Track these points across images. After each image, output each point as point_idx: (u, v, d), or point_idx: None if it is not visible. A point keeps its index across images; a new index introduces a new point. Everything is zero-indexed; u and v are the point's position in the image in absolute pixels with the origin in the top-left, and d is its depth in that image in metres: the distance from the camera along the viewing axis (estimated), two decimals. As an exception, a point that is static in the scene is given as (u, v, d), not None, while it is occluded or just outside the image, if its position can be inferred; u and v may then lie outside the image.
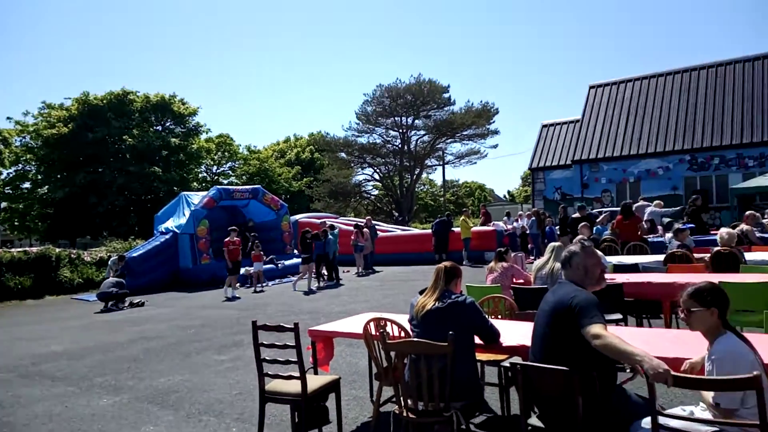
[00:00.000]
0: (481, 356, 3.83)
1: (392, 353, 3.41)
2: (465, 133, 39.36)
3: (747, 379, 2.21)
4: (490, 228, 17.88)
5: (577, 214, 13.75)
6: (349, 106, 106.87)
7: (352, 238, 16.25)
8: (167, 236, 16.40)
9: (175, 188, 34.84)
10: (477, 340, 3.50)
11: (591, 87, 27.41)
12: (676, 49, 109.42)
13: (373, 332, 3.83)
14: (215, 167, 48.75)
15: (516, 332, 3.72)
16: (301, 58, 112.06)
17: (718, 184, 21.81)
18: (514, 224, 18.31)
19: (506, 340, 3.57)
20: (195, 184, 42.22)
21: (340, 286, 13.79)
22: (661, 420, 2.45)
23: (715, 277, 5.74)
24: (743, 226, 9.77)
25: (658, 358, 2.82)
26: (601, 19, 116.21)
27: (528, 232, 16.97)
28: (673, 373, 2.36)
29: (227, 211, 18.30)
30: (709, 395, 2.49)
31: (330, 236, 14.69)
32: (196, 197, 17.52)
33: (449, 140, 40.49)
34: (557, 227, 16.04)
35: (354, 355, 6.47)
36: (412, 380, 3.26)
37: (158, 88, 78.08)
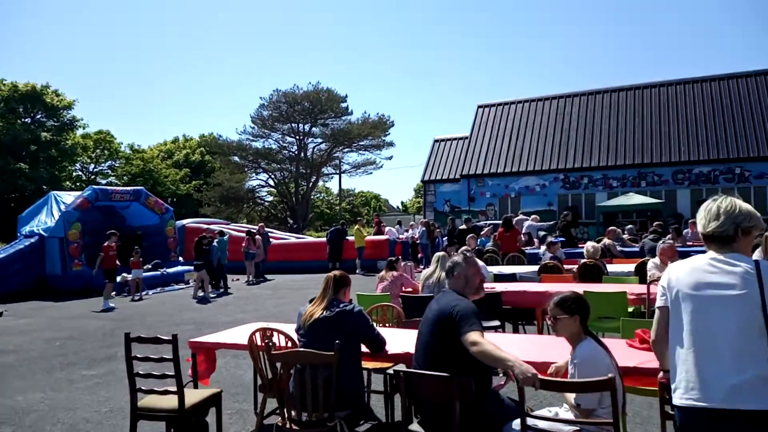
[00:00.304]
0: (367, 364, 3.87)
1: (278, 364, 3.34)
2: (361, 143, 39.94)
3: (602, 381, 2.43)
4: (383, 237, 18.23)
5: (464, 226, 14.43)
6: (244, 109, 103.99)
7: (243, 245, 15.75)
8: (32, 239, 14.79)
9: (45, 187, 31.69)
10: (364, 348, 3.54)
11: (479, 106, 29.04)
12: (557, 75, 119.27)
13: (259, 343, 3.72)
14: (92, 166, 45.05)
15: (402, 340, 3.80)
16: (192, 56, 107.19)
17: (586, 201, 24.01)
18: (405, 234, 18.84)
19: (392, 348, 3.64)
20: (68, 183, 38.74)
21: (229, 295, 13.29)
22: (530, 421, 2.63)
23: (581, 287, 6.29)
24: (606, 241, 10.82)
25: (528, 362, 3.02)
26: (493, 43, 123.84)
27: (418, 242, 17.51)
28: (540, 376, 2.55)
29: (104, 214, 16.90)
30: (571, 396, 2.71)
31: (215, 243, 14.10)
32: (69, 197, 15.99)
33: (346, 150, 40.83)
34: (446, 238, 16.74)
35: (239, 367, 6.25)
36: (297, 391, 3.22)
37: (30, 77, 70.71)
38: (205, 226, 19.12)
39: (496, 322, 6.12)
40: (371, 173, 50.47)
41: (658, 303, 2.28)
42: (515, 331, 6.80)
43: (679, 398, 2.13)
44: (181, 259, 18.08)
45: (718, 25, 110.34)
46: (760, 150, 21.16)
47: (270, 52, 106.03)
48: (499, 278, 8.12)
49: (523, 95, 28.76)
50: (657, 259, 6.63)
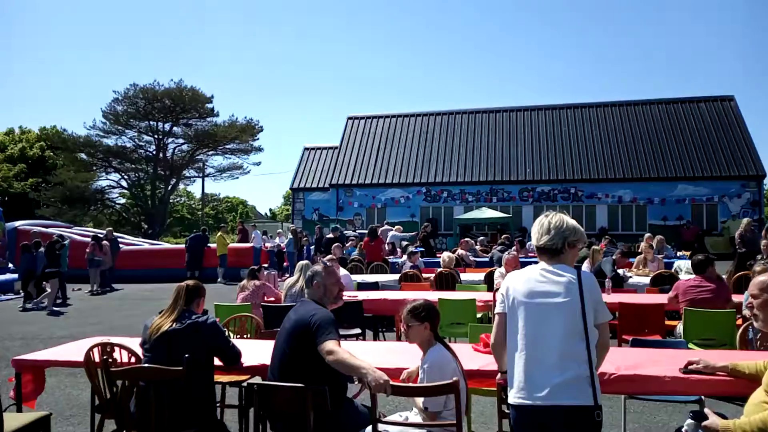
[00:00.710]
0: (222, 378, 3.71)
1: (119, 382, 3.07)
2: (228, 146, 38.43)
3: (448, 385, 2.59)
4: (248, 245, 17.67)
5: (331, 235, 14.52)
6: (94, 103, 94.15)
7: (88, 251, 14.26)
8: None
9: None
10: (218, 361, 3.39)
11: (349, 118, 29.55)
12: (421, 93, 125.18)
13: (97, 359, 3.39)
14: None
15: (259, 351, 3.70)
16: (32, 43, 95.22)
17: (445, 214, 25.51)
18: (272, 242, 18.47)
19: (249, 360, 3.53)
20: None
21: (68, 306, 11.94)
22: (381, 427, 2.71)
23: (437, 295, 6.64)
24: (460, 251, 11.57)
25: (383, 369, 3.10)
26: (365, 57, 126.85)
27: (285, 250, 17.25)
28: (391, 383, 2.64)
29: None
30: (419, 400, 2.84)
31: (42, 249, 12.42)
32: None
33: (210, 152, 39.01)
34: (313, 246, 16.71)
35: (76, 386, 5.64)
36: (139, 410, 2.98)
37: None
38: (43, 230, 17.02)
39: (358, 330, 6.23)
40: (237, 178, 48.62)
41: (497, 309, 2.49)
42: (375, 338, 6.97)
43: (512, 397, 2.34)
44: (11, 266, 15.89)
45: (551, 59, 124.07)
46: (591, 173, 24.12)
47: (130, 46, 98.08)
48: (363, 287, 8.29)
49: (391, 110, 29.86)
50: (503, 269, 7.24)
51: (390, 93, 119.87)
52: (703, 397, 3.56)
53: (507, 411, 2.53)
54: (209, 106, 37.80)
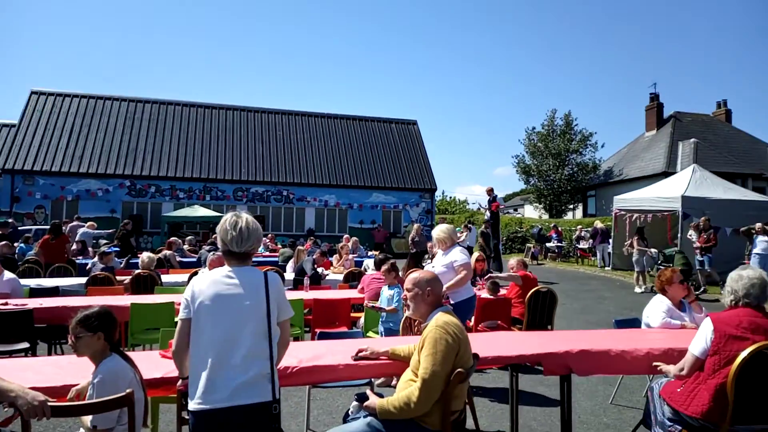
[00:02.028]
0: None
1: None
2: None
3: (120, 398, 2.39)
4: None
5: (-5, 231, 11.94)
6: None
7: None
8: None
9: None
10: None
11: (33, 92, 24.82)
12: (123, 77, 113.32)
13: None
14: None
15: None
16: None
17: (153, 210, 23.62)
18: None
19: None
20: None
21: None
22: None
23: (131, 299, 6.11)
24: (166, 251, 10.87)
25: (48, 388, 2.70)
26: (49, 28, 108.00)
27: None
28: (51, 403, 2.30)
29: None
30: (87, 419, 2.54)
31: None
32: None
33: None
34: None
35: None
36: None
37: None
38: None
39: (25, 344, 5.31)
40: None
41: (181, 315, 2.41)
42: (51, 352, 6.03)
43: (193, 404, 2.29)
44: None
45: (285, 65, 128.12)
46: (301, 178, 25.55)
47: None
48: (38, 293, 7.05)
49: (89, 89, 26.17)
50: (207, 269, 7.06)
51: (86, 69, 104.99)
52: (372, 379, 4.11)
53: (187, 417, 2.47)
54: None
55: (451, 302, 5.01)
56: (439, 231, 5.37)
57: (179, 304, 6.09)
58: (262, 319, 2.40)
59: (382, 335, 5.44)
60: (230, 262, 2.50)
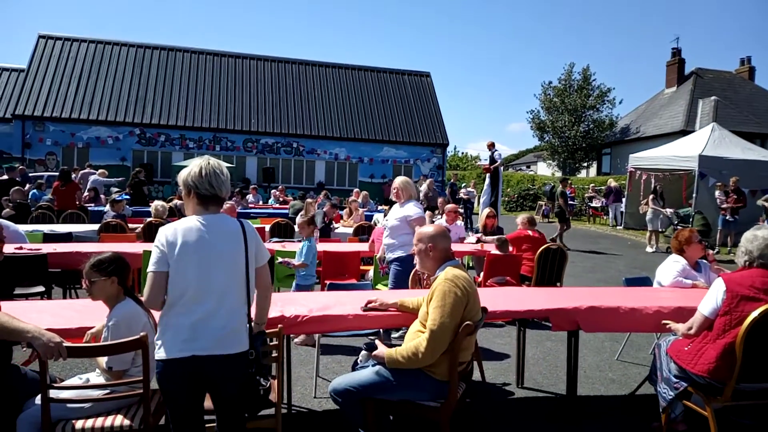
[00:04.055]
0: None
1: None
2: None
3: (135, 341, 2.43)
4: None
5: (5, 176, 12.02)
6: None
7: None
8: None
9: None
10: None
11: (41, 36, 24.44)
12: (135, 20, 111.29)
13: None
14: None
15: None
16: None
17: (163, 159, 23.62)
18: None
19: None
20: None
21: None
22: (54, 393, 2.41)
23: (144, 247, 6.18)
24: (177, 201, 10.92)
25: (65, 330, 2.75)
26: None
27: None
28: (66, 344, 2.34)
29: None
30: (102, 360, 2.60)
31: None
32: None
33: None
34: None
35: None
36: None
37: None
38: None
39: (41, 288, 5.44)
40: None
41: (155, 267, 2.25)
42: (65, 296, 6.17)
43: (171, 351, 2.22)
44: None
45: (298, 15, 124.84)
46: (312, 130, 25.30)
47: None
48: (50, 238, 7.15)
49: (93, 34, 25.76)
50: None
51: (91, 12, 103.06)
52: (381, 330, 4.17)
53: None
54: None
55: (404, 254, 4.98)
56: (398, 182, 5.26)
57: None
58: (242, 268, 2.36)
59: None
60: (207, 208, 2.37)
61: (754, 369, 2.97)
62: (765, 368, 3.01)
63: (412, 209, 5.08)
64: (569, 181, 14.29)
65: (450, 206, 8.82)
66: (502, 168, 13.14)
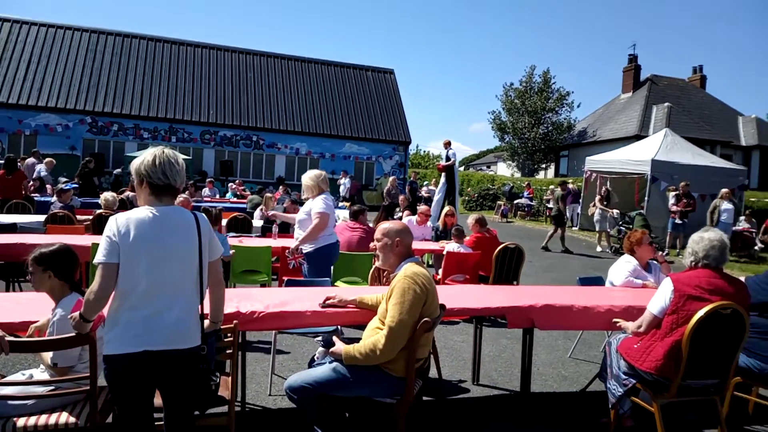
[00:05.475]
0: None
1: None
2: None
3: (82, 336, 2.32)
4: None
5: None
6: None
7: None
8: None
9: None
10: None
11: (-12, 17, 23.20)
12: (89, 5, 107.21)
13: None
14: None
15: None
16: None
17: (115, 149, 22.76)
18: None
19: None
20: None
21: None
22: (-6, 391, 2.28)
23: (92, 239, 5.95)
24: (128, 192, 10.58)
25: (4, 323, 2.64)
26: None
27: None
28: (9, 338, 2.23)
29: None
30: (47, 356, 2.48)
31: None
32: None
33: None
34: None
35: None
36: None
37: None
38: None
39: (-20, 282, 5.16)
40: None
41: (104, 258, 2.14)
42: (9, 289, 5.91)
43: (123, 346, 2.15)
44: None
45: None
46: (272, 123, 24.93)
47: None
48: (-7, 229, 6.81)
49: (44, 17, 24.58)
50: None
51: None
52: (339, 327, 4.14)
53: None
54: None
55: (311, 249, 5.07)
56: (306, 178, 5.28)
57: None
58: (195, 262, 2.30)
59: None
60: (160, 199, 2.28)
61: (699, 366, 3.10)
62: (709, 365, 3.14)
63: (318, 204, 5.09)
64: (568, 184, 14.54)
65: (423, 208, 8.93)
66: (456, 166, 13.16)
